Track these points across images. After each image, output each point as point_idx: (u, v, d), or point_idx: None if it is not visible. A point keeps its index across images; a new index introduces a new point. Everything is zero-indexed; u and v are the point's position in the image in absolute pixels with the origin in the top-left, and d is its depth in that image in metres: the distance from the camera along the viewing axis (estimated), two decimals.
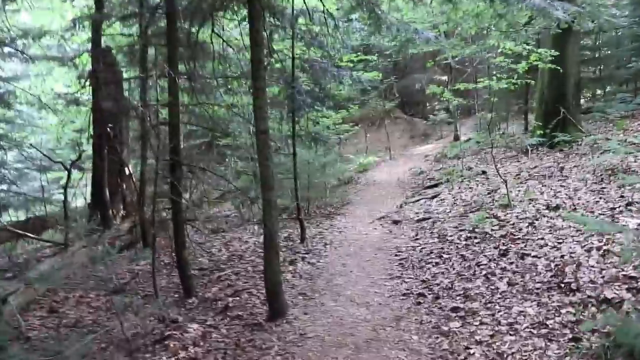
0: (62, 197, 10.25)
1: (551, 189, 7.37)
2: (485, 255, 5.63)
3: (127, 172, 11.48)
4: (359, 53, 15.75)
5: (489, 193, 8.34)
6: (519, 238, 5.78)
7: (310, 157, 10.29)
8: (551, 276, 4.63)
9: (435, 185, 10.70)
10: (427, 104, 23.78)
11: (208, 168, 9.72)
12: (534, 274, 4.81)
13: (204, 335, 5.35)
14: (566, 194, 6.86)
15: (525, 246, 5.49)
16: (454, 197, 8.91)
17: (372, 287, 5.78)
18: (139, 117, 9.54)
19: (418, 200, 9.77)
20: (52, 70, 13.36)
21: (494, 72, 8.36)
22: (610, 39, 15.67)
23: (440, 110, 22.29)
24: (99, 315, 6.43)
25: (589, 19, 9.23)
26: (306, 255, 7.49)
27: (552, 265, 4.81)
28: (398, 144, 21.61)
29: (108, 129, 10.01)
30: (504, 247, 5.64)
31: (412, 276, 5.84)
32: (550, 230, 5.70)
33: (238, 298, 6.28)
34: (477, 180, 9.62)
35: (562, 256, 4.91)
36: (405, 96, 23.93)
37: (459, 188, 9.49)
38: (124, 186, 11.62)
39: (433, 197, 9.58)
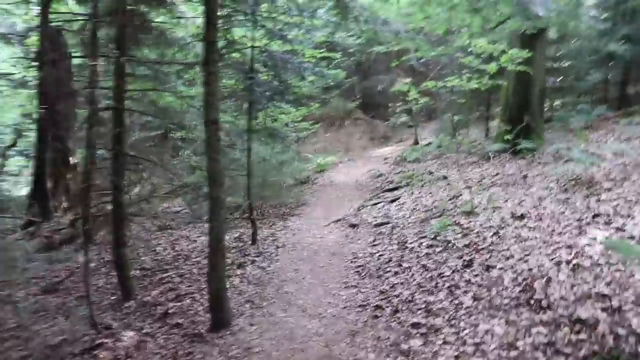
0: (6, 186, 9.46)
1: (515, 197, 7.10)
2: (448, 266, 5.25)
3: (71, 161, 10.75)
4: (322, 50, 15.34)
5: (450, 199, 8.03)
6: (483, 248, 5.44)
7: (266, 154, 9.79)
8: (519, 291, 4.28)
9: (395, 189, 10.36)
10: (389, 106, 23.55)
11: (158, 161, 9.12)
12: (501, 288, 4.46)
13: (139, 345, 4.81)
14: (531, 203, 6.60)
15: (490, 257, 5.14)
16: (414, 202, 8.57)
17: (325, 297, 5.33)
18: (86, 100, 8.86)
19: (377, 204, 9.39)
20: None
21: (463, 72, 8.02)
22: (570, 51, 15.78)
23: (402, 113, 22.13)
24: (25, 318, 5.77)
25: (567, 19, 9.07)
26: (256, 259, 6.98)
27: (520, 279, 4.47)
28: (357, 145, 21.30)
29: (52, 113, 9.26)
30: (468, 258, 5.29)
31: (369, 286, 5.41)
32: (516, 241, 5.38)
33: (180, 304, 5.75)
34: (438, 185, 9.32)
35: (530, 269, 4.57)
36: (367, 97, 23.66)
37: (420, 193, 9.16)
38: (68, 176, 10.89)
39: (392, 201, 9.22)
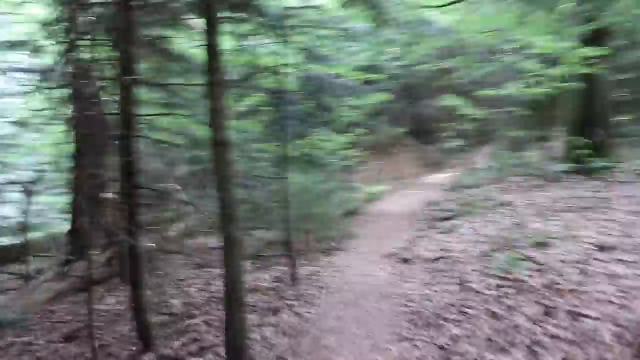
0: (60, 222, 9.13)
1: (598, 224, 5.97)
2: (524, 314, 4.20)
3: (109, 195, 10.34)
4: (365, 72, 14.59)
5: (517, 227, 6.95)
6: (568, 290, 4.37)
7: (308, 184, 8.98)
8: (629, 353, 3.22)
9: (452, 218, 9.30)
10: (440, 130, 22.47)
11: (187, 197, 8.56)
12: (601, 345, 3.40)
13: None
14: (619, 231, 5.46)
15: (579, 302, 4.07)
16: (475, 232, 7.51)
17: (372, 353, 4.37)
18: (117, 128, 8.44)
19: (432, 235, 8.38)
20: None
21: (524, 78, 7.01)
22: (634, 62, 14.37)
23: (454, 138, 21.01)
24: None
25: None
26: (295, 303, 6.10)
27: (627, 333, 3.41)
28: (408, 173, 20.28)
29: (87, 148, 8.87)
30: (549, 303, 4.22)
31: (426, 338, 4.42)
32: (609, 280, 4.29)
33: (201, 359, 4.92)
34: (501, 212, 8.23)
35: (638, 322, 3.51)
36: (416, 122, 22.67)
37: (480, 221, 8.09)
38: (105, 211, 10.48)
39: (450, 231, 8.18)
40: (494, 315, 4.41)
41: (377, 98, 14.79)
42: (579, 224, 6.17)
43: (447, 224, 8.99)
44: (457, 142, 21.01)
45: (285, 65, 6.94)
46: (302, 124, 6.59)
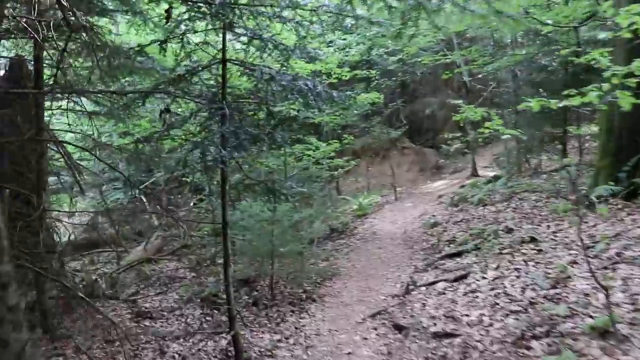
0: None
1: None
2: None
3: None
4: (355, 71, 12.57)
5: (553, 286, 4.96)
6: None
7: (280, 213, 6.96)
8: None
9: (459, 254, 7.31)
10: (440, 132, 20.48)
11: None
12: None
13: None
14: None
15: None
16: (492, 288, 5.48)
17: None
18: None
19: (434, 283, 6.38)
20: None
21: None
22: None
23: (455, 139, 19.02)
24: None
25: None
26: None
27: None
28: (405, 179, 18.28)
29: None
30: None
31: None
32: None
33: None
34: (525, 253, 6.22)
35: None
36: (414, 123, 20.64)
37: (498, 268, 6.07)
38: None
39: (457, 280, 6.18)
40: None
41: (368, 98, 12.87)
42: None
43: (454, 263, 7.00)
44: (458, 146, 19.05)
45: (230, 61, 4.95)
46: (250, 140, 4.57)
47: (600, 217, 6.76)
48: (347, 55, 13.90)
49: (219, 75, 4.87)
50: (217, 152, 4.23)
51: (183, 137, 5.17)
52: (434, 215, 11.17)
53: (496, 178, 12.46)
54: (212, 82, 4.92)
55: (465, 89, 16.48)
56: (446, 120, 20.88)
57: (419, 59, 12.83)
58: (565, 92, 3.71)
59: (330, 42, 13.54)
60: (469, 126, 16.33)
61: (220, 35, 4.86)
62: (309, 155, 11.09)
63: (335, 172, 13.56)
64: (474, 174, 16.45)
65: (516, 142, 13.51)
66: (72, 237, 13.74)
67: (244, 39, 4.88)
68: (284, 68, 4.75)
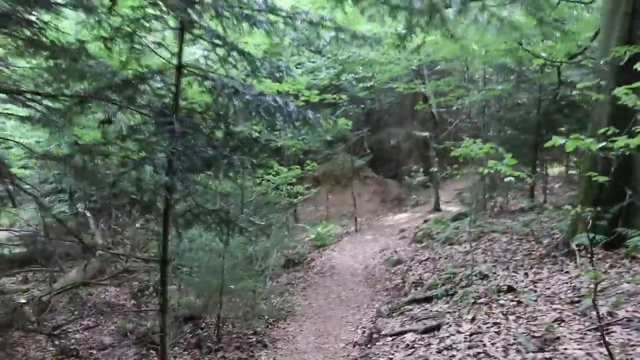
0: None
1: None
2: None
3: None
4: (324, 95, 11.99)
5: (541, 348, 4.35)
6: None
7: (232, 246, 6.19)
8: None
9: (428, 300, 6.67)
10: (403, 164, 20.12)
11: None
12: None
13: None
14: None
15: None
16: (470, 347, 4.82)
17: None
18: None
19: (402, 333, 5.70)
20: None
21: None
22: None
23: (418, 172, 18.67)
24: None
25: None
26: None
27: None
28: (366, 209, 17.73)
29: None
30: None
31: None
32: None
33: None
34: (503, 305, 5.63)
35: None
36: (378, 152, 20.20)
37: (473, 319, 5.45)
38: None
39: (428, 332, 5.52)
40: None
41: (335, 124, 12.31)
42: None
43: (422, 311, 6.34)
44: (421, 177, 18.68)
45: (187, 67, 4.22)
46: (203, 163, 3.83)
47: (580, 267, 6.30)
48: (315, 79, 13.37)
49: (173, 84, 4.13)
50: (163, 174, 3.46)
51: (121, 154, 4.36)
52: (396, 251, 10.58)
53: (463, 215, 11.99)
54: (163, 92, 4.18)
55: (433, 121, 16.16)
56: (410, 151, 20.59)
57: (393, 85, 12.36)
58: (602, 130, 3.16)
59: (299, 64, 13.00)
60: (435, 159, 15.99)
61: (177, 37, 4.14)
62: (269, 180, 10.40)
63: (295, 199, 12.86)
64: (437, 208, 16.07)
65: (481, 179, 13.13)
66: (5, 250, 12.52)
67: (205, 43, 4.16)
68: (249, 82, 4.05)
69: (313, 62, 13.41)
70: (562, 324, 4.72)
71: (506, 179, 4.31)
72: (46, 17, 5.67)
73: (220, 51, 4.15)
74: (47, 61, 4.58)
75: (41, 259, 10.43)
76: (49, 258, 10.24)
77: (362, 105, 16.40)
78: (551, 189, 14.56)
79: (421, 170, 18.64)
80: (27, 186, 9.26)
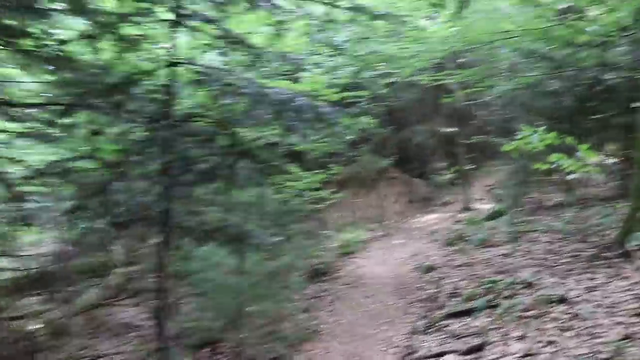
0: None
1: None
2: None
3: None
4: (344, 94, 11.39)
5: None
6: None
7: (250, 263, 5.61)
8: None
9: (467, 313, 5.99)
10: (431, 162, 19.38)
11: None
12: None
13: None
14: None
15: None
16: None
17: None
18: None
19: (440, 355, 5.06)
20: None
21: None
22: None
23: (446, 169, 17.92)
24: None
25: None
26: None
27: None
28: (393, 211, 17.04)
29: None
30: None
31: None
32: None
33: None
34: (557, 319, 4.94)
35: None
36: (402, 151, 19.44)
37: (523, 336, 4.78)
38: None
39: (471, 352, 4.88)
40: None
41: (359, 123, 11.70)
42: None
43: (462, 326, 5.68)
44: (450, 175, 17.90)
45: (180, 63, 3.68)
46: (200, 177, 3.28)
47: (635, 266, 5.57)
48: (335, 78, 12.75)
49: (166, 84, 3.59)
50: (157, 192, 2.91)
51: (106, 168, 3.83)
52: (428, 258, 9.89)
53: (497, 214, 11.25)
54: (156, 95, 3.64)
55: (459, 116, 15.44)
56: (436, 148, 19.80)
57: (416, 80, 11.71)
58: None
59: (317, 63, 12.42)
60: (463, 155, 15.25)
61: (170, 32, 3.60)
62: (291, 187, 9.83)
63: (319, 205, 12.25)
64: (467, 207, 15.32)
65: (514, 173, 12.33)
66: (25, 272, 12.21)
67: (201, 35, 3.61)
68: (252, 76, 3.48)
69: (331, 60, 12.80)
70: (633, 343, 4.03)
71: (570, 176, 3.65)
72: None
73: (219, 42, 3.59)
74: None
75: (59, 279, 10.06)
76: (66, 278, 9.86)
77: (385, 103, 15.72)
78: (587, 180, 13.63)
79: (449, 167, 17.89)
80: (44, 204, 8.81)
